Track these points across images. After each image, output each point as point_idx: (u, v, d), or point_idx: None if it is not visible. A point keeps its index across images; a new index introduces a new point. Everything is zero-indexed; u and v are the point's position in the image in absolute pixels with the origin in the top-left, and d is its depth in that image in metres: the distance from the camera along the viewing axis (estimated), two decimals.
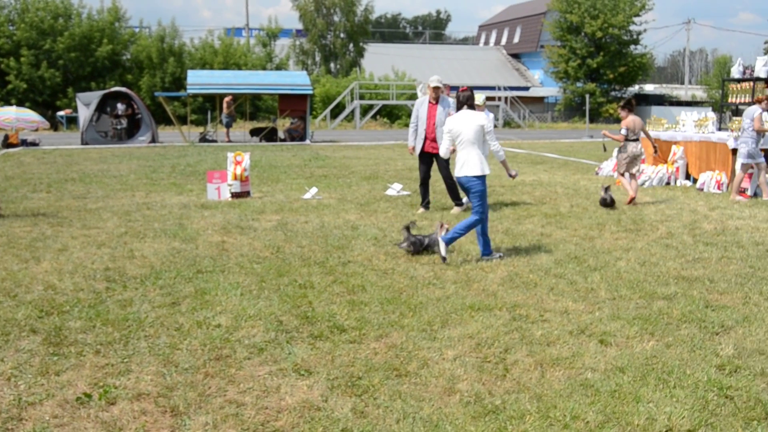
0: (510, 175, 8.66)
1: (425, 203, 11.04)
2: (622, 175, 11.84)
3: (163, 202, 11.73)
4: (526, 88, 56.20)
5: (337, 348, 5.12)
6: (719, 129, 15.03)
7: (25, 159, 19.79)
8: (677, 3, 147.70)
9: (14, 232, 9.10)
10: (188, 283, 6.76)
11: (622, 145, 11.77)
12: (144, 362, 4.86)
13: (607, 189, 11.42)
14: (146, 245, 8.43)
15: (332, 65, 50.57)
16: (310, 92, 28.47)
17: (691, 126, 15.04)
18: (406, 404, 4.23)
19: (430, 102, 10.76)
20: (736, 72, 16.08)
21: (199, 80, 27.34)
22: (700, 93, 61.07)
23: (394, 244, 8.48)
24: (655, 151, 12.29)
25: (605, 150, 14.67)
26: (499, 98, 44.23)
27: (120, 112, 25.74)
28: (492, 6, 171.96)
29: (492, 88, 46.00)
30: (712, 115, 15.02)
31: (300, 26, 50.81)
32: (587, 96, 41.60)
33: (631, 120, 11.60)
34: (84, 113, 25.57)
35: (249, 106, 34.94)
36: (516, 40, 64.41)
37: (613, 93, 49.67)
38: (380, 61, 51.09)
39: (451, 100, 10.59)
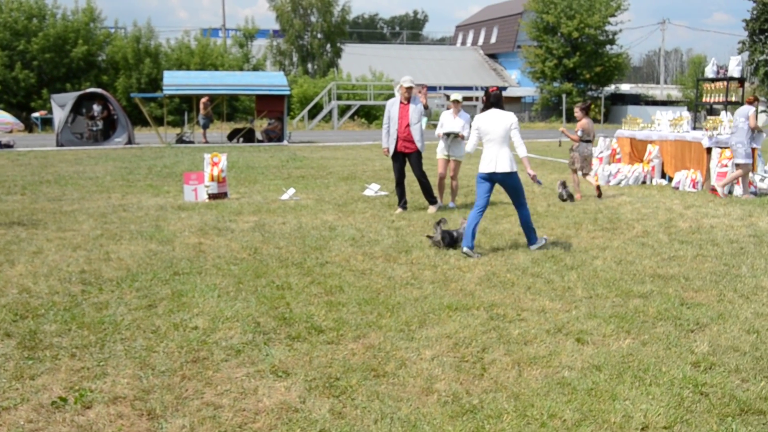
0: (529, 175, 8.35)
1: (402, 203, 11.04)
2: (575, 172, 12.51)
3: (140, 204, 11.64)
4: (504, 88, 56.36)
5: (315, 349, 5.12)
6: (694, 128, 15.21)
7: None
8: (652, 3, 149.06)
9: None
10: (165, 285, 6.72)
11: (576, 145, 12.39)
12: (120, 365, 4.82)
13: (563, 184, 12.07)
14: (122, 247, 8.37)
15: (309, 66, 50.42)
16: (288, 93, 28.41)
17: (666, 125, 15.20)
18: (384, 405, 4.24)
19: (401, 102, 10.77)
20: (710, 72, 16.19)
21: (175, 81, 27.18)
22: (675, 92, 61.50)
23: (426, 236, 8.71)
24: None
25: (560, 146, 15.06)
26: (476, 98, 44.36)
27: (96, 114, 25.51)
28: (469, 6, 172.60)
29: (469, 88, 46.11)
30: (687, 115, 15.20)
31: (277, 27, 50.60)
32: (564, 96, 41.86)
33: (586, 122, 12.34)
34: (59, 114, 25.28)
35: (226, 107, 34.78)
36: (493, 40, 64.62)
37: (589, 93, 49.96)
38: (358, 61, 51.03)
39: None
